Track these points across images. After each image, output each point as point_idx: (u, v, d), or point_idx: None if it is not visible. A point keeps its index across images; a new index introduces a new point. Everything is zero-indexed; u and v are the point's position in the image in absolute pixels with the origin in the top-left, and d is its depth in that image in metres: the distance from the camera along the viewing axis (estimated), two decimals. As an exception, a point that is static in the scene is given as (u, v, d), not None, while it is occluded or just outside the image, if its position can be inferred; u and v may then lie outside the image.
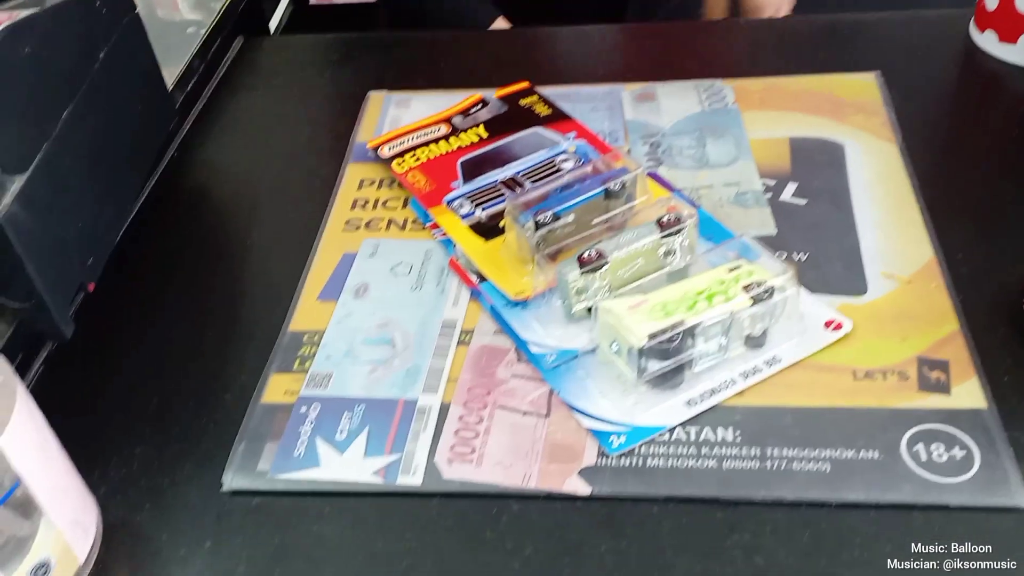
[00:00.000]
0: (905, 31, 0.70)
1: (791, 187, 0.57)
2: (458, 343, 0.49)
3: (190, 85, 0.70)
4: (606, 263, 0.48)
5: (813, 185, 0.57)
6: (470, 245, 0.54)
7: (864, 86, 0.64)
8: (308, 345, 0.50)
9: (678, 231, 0.49)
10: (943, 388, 0.44)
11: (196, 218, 0.61)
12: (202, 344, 0.51)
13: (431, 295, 0.52)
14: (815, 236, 0.53)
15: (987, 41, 0.66)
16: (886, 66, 0.65)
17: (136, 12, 0.62)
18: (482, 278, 0.52)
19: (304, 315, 0.52)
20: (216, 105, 0.71)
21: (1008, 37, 0.65)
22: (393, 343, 0.49)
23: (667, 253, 0.50)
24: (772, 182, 0.57)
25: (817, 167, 0.58)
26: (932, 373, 0.45)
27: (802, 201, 0.56)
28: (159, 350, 0.51)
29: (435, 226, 0.56)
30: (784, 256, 0.52)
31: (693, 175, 0.58)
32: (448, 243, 0.55)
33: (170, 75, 0.68)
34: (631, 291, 0.47)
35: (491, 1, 0.89)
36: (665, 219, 0.50)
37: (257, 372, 0.48)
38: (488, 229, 0.55)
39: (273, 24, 0.91)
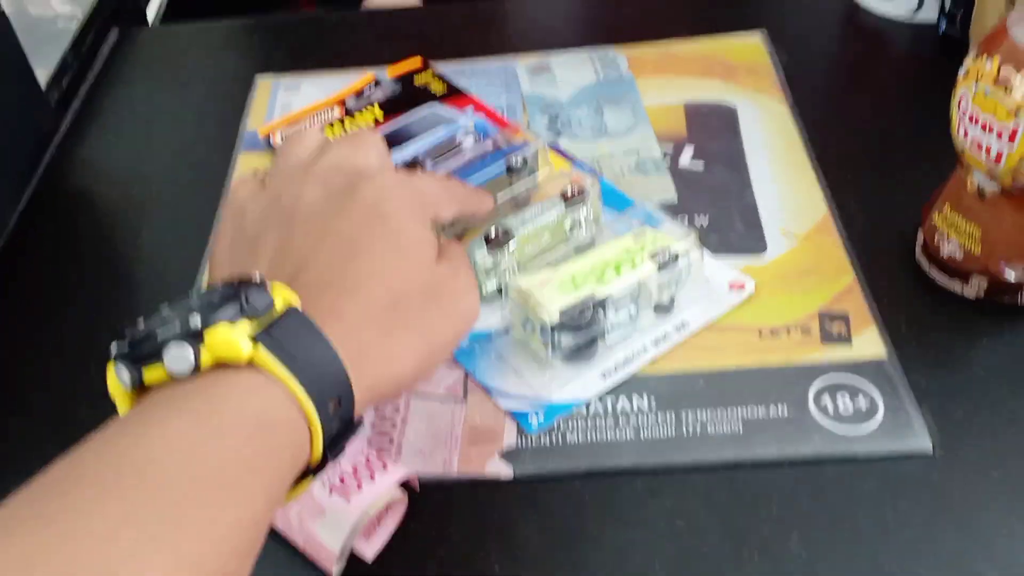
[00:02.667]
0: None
1: (688, 152, 0.57)
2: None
3: (65, 82, 0.66)
4: (513, 240, 0.48)
5: (710, 149, 0.57)
6: (373, 231, 0.53)
7: (753, 48, 0.65)
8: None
9: (582, 202, 0.49)
10: (844, 339, 0.45)
11: (80, 222, 0.58)
12: (95, 354, 0.49)
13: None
14: (715, 199, 0.54)
15: (866, -4, 0.68)
16: (772, 24, 0.66)
17: (1, 10, 0.58)
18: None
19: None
20: (95, 102, 0.68)
21: (885, -9, 0.67)
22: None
23: (572, 226, 0.50)
24: (670, 147, 0.58)
25: (712, 131, 0.59)
26: (833, 326, 0.46)
27: (700, 165, 0.56)
28: (48, 363, 0.49)
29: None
30: (686, 220, 0.52)
31: (593, 145, 0.58)
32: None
33: (43, 74, 0.65)
34: (540, 266, 0.46)
35: None
36: (569, 191, 0.49)
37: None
38: (390, 214, 0.54)
39: (152, 13, 0.87)
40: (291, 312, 0.30)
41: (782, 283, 0.48)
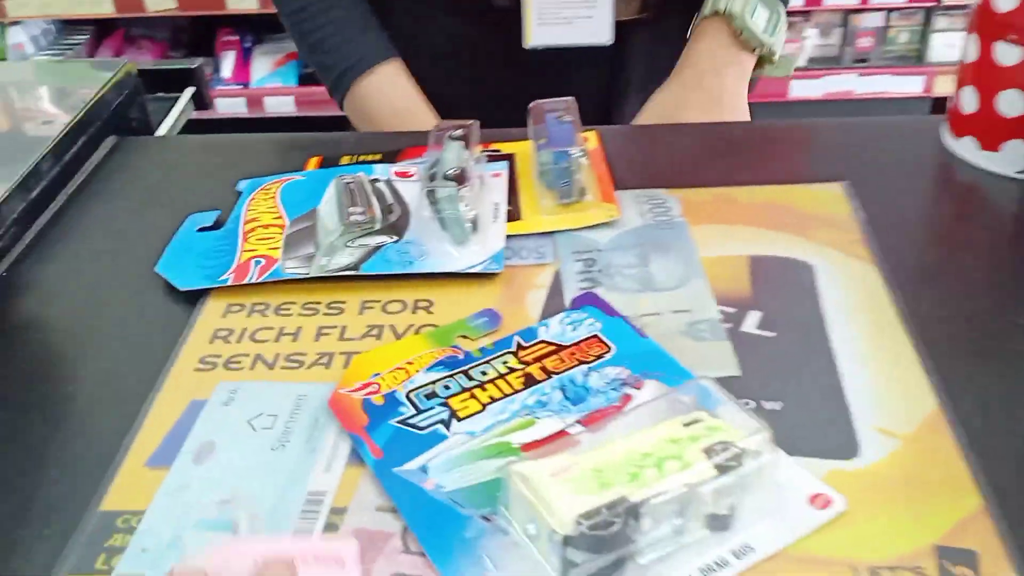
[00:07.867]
0: (870, 138, 0.62)
1: (754, 316, 0.46)
2: (326, 525, 0.37)
3: (35, 192, 0.58)
4: None
5: (781, 313, 0.46)
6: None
7: (831, 197, 0.55)
8: (122, 532, 0.37)
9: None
10: (974, 591, 0.33)
11: (14, 354, 0.48)
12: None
13: (296, 456, 0.40)
14: (788, 379, 0.42)
15: (965, 149, 0.58)
16: (851, 176, 0.57)
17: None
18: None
19: (123, 488, 0.39)
20: (69, 213, 0.59)
21: (990, 145, 0.57)
22: (235, 528, 0.36)
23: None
24: (731, 309, 0.47)
25: (784, 291, 0.48)
26: (956, 569, 0.33)
27: (769, 334, 0.45)
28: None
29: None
30: (753, 406, 0.41)
31: (635, 299, 0.48)
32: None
33: (9, 177, 0.57)
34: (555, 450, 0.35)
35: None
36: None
37: (46, 571, 0.35)
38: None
39: (168, 124, 0.80)
40: None
41: (884, 501, 0.36)
